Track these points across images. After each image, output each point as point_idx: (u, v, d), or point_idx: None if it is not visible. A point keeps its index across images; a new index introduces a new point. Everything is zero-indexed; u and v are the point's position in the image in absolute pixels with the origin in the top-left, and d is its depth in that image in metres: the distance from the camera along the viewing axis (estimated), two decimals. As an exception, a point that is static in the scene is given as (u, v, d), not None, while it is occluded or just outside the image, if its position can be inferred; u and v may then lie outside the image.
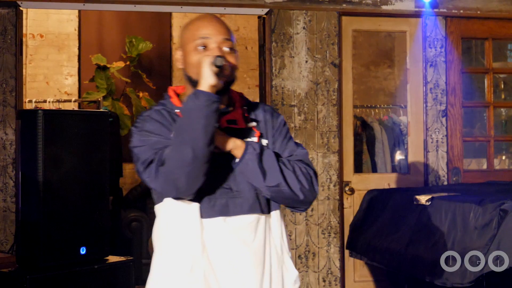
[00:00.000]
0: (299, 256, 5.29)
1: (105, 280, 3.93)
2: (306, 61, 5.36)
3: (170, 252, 2.27)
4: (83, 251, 3.84)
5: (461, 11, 5.70)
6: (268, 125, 2.43)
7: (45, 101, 6.99)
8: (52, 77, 8.24)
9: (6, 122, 4.94)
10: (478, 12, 5.73)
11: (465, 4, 5.70)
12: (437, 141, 5.65)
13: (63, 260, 3.76)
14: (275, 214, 2.39)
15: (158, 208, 2.35)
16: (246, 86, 8.38)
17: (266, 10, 5.33)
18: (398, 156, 6.32)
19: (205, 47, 2.31)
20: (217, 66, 2.19)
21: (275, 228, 2.38)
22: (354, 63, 5.70)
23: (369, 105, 7.02)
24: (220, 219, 2.27)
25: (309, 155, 5.06)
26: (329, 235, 5.35)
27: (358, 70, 7.44)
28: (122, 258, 4.08)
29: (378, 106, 7.04)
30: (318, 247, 5.34)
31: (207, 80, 2.18)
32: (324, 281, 5.35)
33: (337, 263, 5.37)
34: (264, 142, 2.38)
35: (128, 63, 8.03)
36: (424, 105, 5.67)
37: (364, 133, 6.26)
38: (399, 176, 5.78)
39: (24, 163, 3.73)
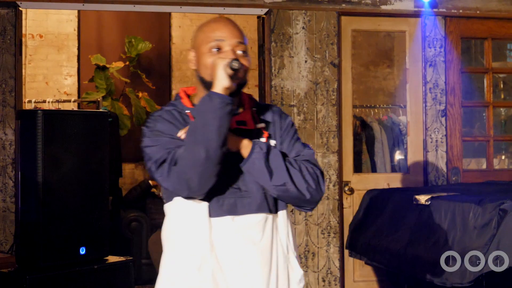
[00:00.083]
0: (299, 256, 5.29)
1: (104, 280, 3.93)
2: (306, 61, 5.36)
3: (179, 250, 2.31)
4: (82, 251, 3.84)
5: (461, 11, 5.70)
6: (276, 126, 2.46)
7: (44, 101, 6.99)
8: (52, 77, 8.24)
9: (6, 122, 4.94)
10: (478, 12, 5.73)
11: (465, 4, 5.70)
12: (436, 141, 5.65)
13: (62, 260, 3.76)
14: (282, 214, 2.42)
15: (168, 207, 2.38)
16: (246, 86, 8.38)
17: (265, 10, 5.33)
18: (398, 156, 6.32)
19: (219, 49, 2.34)
20: (233, 69, 2.22)
21: (282, 228, 2.41)
22: (353, 63, 5.71)
23: (368, 105, 7.02)
24: (228, 218, 2.30)
25: (309, 155, 5.05)
26: (329, 235, 5.35)
27: (357, 70, 7.44)
28: (121, 258, 4.08)
29: (378, 106, 7.04)
30: (318, 247, 5.34)
31: (222, 82, 2.21)
32: (323, 281, 5.35)
33: (337, 263, 5.37)
34: (272, 142, 2.41)
35: (127, 63, 8.03)
36: (424, 105, 5.67)
37: (363, 133, 6.26)
38: (399, 176, 5.78)
39: (24, 163, 3.73)
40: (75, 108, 7.41)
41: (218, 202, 2.30)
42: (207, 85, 2.30)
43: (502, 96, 7.95)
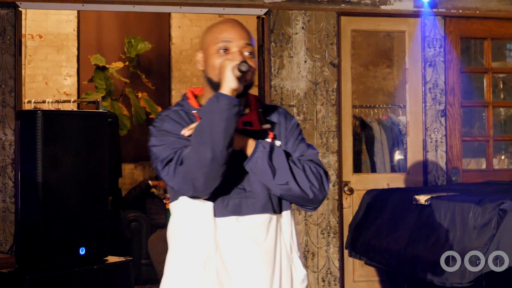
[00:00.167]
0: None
1: (104, 280, 3.93)
2: (305, 61, 5.36)
3: (184, 249, 2.34)
4: (82, 251, 3.84)
5: (460, 11, 5.71)
6: (281, 127, 2.49)
7: (44, 102, 6.99)
8: (51, 78, 8.24)
9: (5, 123, 4.94)
10: (477, 12, 5.73)
11: (464, 4, 5.70)
12: (436, 141, 5.65)
13: (62, 260, 3.76)
14: (286, 214, 2.44)
15: (174, 206, 2.41)
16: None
17: (265, 10, 5.33)
18: (397, 156, 6.32)
19: (226, 50, 2.36)
20: (241, 71, 2.23)
21: (286, 228, 2.43)
22: (353, 63, 5.71)
23: (368, 105, 7.03)
24: (233, 218, 2.33)
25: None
26: (328, 235, 5.35)
27: (357, 70, 7.45)
28: (121, 258, 4.08)
29: (377, 106, 7.05)
30: (318, 247, 5.34)
31: (229, 84, 2.23)
32: (323, 281, 5.35)
33: (337, 263, 5.37)
34: (278, 143, 2.43)
35: (127, 63, 8.03)
36: (423, 105, 5.67)
37: (363, 133, 6.27)
38: (398, 176, 5.78)
39: (23, 163, 3.72)
40: (75, 109, 7.41)
41: (223, 202, 2.32)
42: (215, 85, 2.33)
43: (502, 96, 7.96)
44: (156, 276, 6.87)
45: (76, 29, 8.31)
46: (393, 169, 6.26)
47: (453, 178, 5.66)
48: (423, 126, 5.67)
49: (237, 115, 2.22)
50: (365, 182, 5.59)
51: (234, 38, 2.37)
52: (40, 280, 3.62)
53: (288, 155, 2.39)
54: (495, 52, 7.03)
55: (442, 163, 5.64)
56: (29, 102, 6.97)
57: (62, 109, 6.91)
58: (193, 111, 2.40)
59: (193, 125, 2.31)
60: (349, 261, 5.44)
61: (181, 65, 8.66)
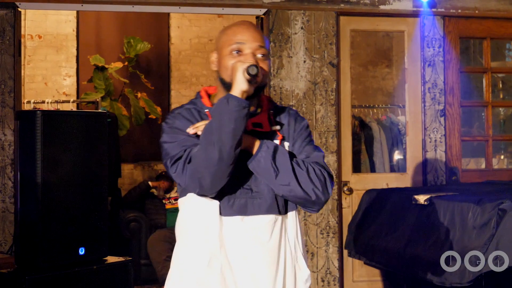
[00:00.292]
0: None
1: (103, 280, 3.93)
2: (304, 61, 5.36)
3: (190, 245, 2.38)
4: (81, 251, 3.84)
5: (459, 11, 5.71)
6: (290, 129, 2.52)
7: (43, 102, 6.99)
8: (51, 78, 8.24)
9: (5, 123, 4.94)
10: (476, 11, 5.74)
11: (463, 3, 5.70)
12: (435, 140, 5.66)
13: (62, 260, 3.76)
14: (292, 215, 2.47)
15: (182, 202, 2.45)
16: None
17: (264, 10, 5.33)
18: (397, 155, 6.32)
19: (239, 51, 2.40)
20: (250, 75, 2.27)
21: (291, 229, 2.46)
22: (352, 63, 5.70)
23: (367, 105, 7.03)
24: (238, 218, 2.37)
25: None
26: (328, 235, 5.36)
27: (356, 70, 7.45)
28: (120, 259, 4.08)
29: (376, 106, 7.05)
30: (317, 247, 5.34)
31: (240, 86, 2.27)
32: (323, 281, 5.35)
33: (336, 263, 5.37)
34: (286, 145, 2.47)
35: (126, 63, 8.03)
36: (422, 104, 5.68)
37: (362, 133, 6.27)
38: (398, 175, 5.78)
39: (23, 163, 3.73)
40: (74, 109, 7.40)
41: (229, 202, 2.36)
42: (227, 86, 2.37)
43: (501, 96, 7.97)
44: (155, 276, 6.87)
45: (75, 30, 8.30)
46: (392, 169, 6.26)
47: (453, 178, 5.66)
48: (422, 126, 5.67)
49: (246, 117, 2.26)
50: (364, 182, 5.59)
51: (247, 40, 2.41)
52: (39, 280, 3.62)
53: (292, 156, 2.41)
54: (494, 51, 7.03)
55: (441, 163, 5.64)
56: (29, 102, 6.97)
57: (61, 109, 6.91)
58: (205, 110, 2.44)
59: (199, 124, 2.36)
60: (348, 261, 5.44)
61: (180, 65, 8.66)
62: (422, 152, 5.67)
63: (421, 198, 4.32)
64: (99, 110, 6.79)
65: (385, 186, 5.53)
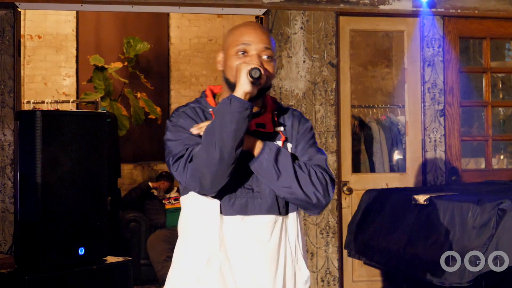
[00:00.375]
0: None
1: (103, 280, 3.93)
2: (304, 61, 5.36)
3: (191, 242, 2.39)
4: (81, 251, 3.84)
5: (459, 11, 5.71)
6: (294, 130, 2.52)
7: (43, 102, 6.99)
8: (50, 78, 8.24)
9: (5, 123, 4.94)
10: (476, 11, 5.74)
11: (463, 3, 5.70)
12: (435, 140, 5.66)
13: (61, 260, 3.76)
14: (292, 216, 2.47)
15: (184, 200, 2.47)
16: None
17: (263, 10, 5.33)
18: (396, 155, 6.32)
19: (245, 52, 2.41)
20: (252, 77, 2.28)
21: (292, 229, 2.46)
22: (352, 63, 5.70)
23: (367, 105, 7.03)
24: (238, 218, 2.38)
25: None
26: (328, 235, 5.36)
27: (356, 70, 7.45)
28: (120, 259, 4.08)
29: (376, 106, 7.04)
30: (317, 247, 5.34)
31: (243, 87, 2.28)
32: (322, 281, 5.35)
33: (336, 263, 5.37)
34: (289, 146, 2.47)
35: (126, 63, 8.03)
36: (422, 104, 5.67)
37: (362, 133, 6.27)
38: (397, 175, 5.78)
39: (23, 164, 3.73)
40: (74, 109, 7.40)
41: (230, 201, 2.37)
42: (232, 86, 2.38)
43: (501, 96, 7.97)
44: (155, 276, 6.87)
45: (75, 30, 8.31)
46: (392, 169, 6.26)
47: (452, 178, 5.66)
48: (422, 126, 5.67)
49: (248, 118, 2.26)
50: (364, 182, 5.59)
51: (253, 41, 2.41)
52: (39, 281, 3.62)
53: (294, 158, 2.42)
54: (494, 51, 7.03)
55: (441, 163, 5.64)
56: (28, 102, 6.97)
57: (61, 109, 6.90)
58: (209, 109, 2.46)
59: (203, 124, 2.37)
60: (348, 261, 5.44)
61: (180, 65, 8.66)
62: (421, 152, 5.67)
63: (421, 198, 4.32)
64: (99, 110, 6.79)
65: (384, 186, 5.53)
